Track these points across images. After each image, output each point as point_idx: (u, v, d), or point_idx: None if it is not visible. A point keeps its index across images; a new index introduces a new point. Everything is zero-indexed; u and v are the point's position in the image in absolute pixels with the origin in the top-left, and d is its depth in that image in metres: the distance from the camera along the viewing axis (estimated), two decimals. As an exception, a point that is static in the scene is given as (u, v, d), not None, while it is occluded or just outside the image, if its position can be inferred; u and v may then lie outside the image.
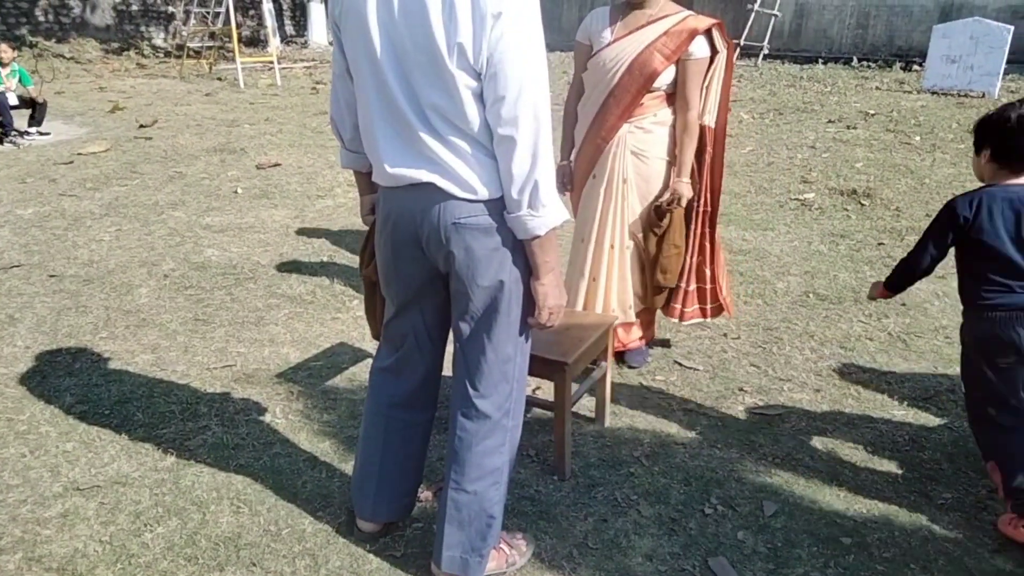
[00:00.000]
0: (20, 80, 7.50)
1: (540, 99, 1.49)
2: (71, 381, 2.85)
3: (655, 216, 2.76)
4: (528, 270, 1.67)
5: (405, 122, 1.56)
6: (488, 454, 1.79)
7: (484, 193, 1.57)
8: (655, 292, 2.89)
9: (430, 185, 1.58)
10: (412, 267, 1.74)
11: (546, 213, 1.55)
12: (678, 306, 2.92)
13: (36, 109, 7.33)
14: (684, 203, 2.75)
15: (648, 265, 2.84)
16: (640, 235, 2.83)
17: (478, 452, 1.78)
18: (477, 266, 1.63)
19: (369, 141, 1.67)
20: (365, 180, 1.86)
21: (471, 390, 1.77)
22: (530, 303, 1.71)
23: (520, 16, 1.44)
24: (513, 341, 1.74)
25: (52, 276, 3.88)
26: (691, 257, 2.87)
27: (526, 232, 1.58)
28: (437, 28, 1.45)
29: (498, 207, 1.59)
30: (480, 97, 1.50)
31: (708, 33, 2.61)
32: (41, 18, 14.40)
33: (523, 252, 1.64)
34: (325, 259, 4.23)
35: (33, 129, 7.34)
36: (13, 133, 7.08)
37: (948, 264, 4.13)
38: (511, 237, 1.62)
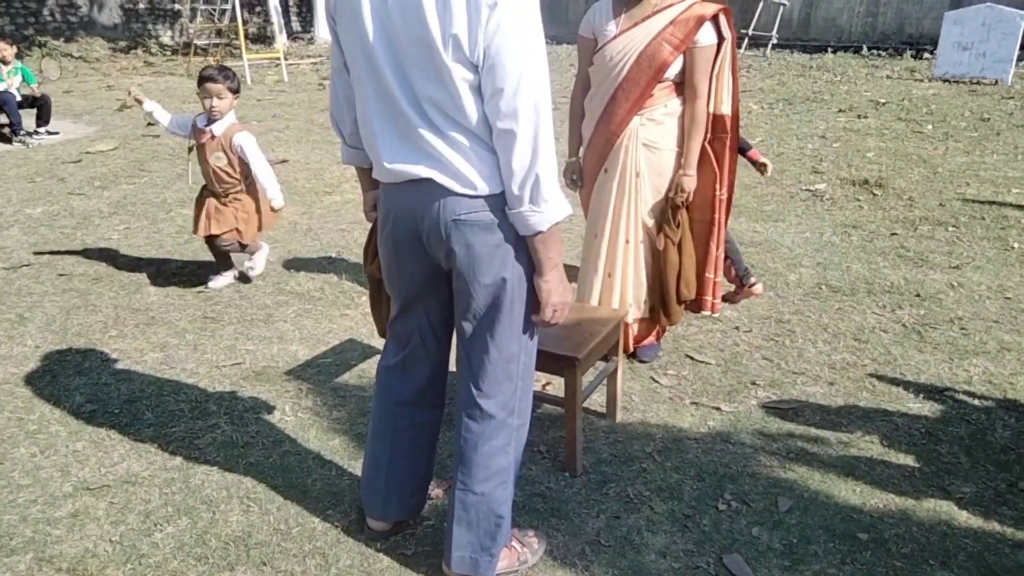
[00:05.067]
0: (24, 79, 7.50)
1: (540, 91, 1.45)
2: (81, 380, 2.84)
3: (669, 215, 2.72)
4: (531, 267, 1.64)
5: (402, 117, 1.53)
6: (494, 454, 1.77)
7: (484, 188, 1.54)
8: (678, 303, 2.85)
9: (429, 181, 1.55)
10: (414, 264, 1.71)
11: (548, 208, 1.52)
12: (709, 298, 2.94)
13: (40, 108, 7.34)
14: (690, 197, 2.72)
15: (664, 274, 2.79)
16: (653, 231, 2.80)
17: (484, 453, 1.76)
18: (478, 263, 1.60)
19: (367, 137, 1.64)
20: (367, 176, 1.83)
21: (475, 390, 1.74)
22: (534, 300, 1.68)
23: (517, 5, 1.40)
24: (517, 339, 1.71)
25: (61, 275, 3.88)
26: (717, 248, 2.86)
27: (528, 228, 1.55)
28: (431, 19, 1.41)
29: (499, 203, 1.56)
30: (478, 90, 1.47)
31: (714, 19, 2.57)
32: (49, 17, 14.44)
33: (526, 248, 1.61)
34: (333, 255, 4.22)
35: (42, 129, 7.35)
36: (22, 133, 7.10)
37: (963, 255, 4.11)
38: (513, 233, 1.59)
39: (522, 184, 1.49)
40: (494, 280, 1.62)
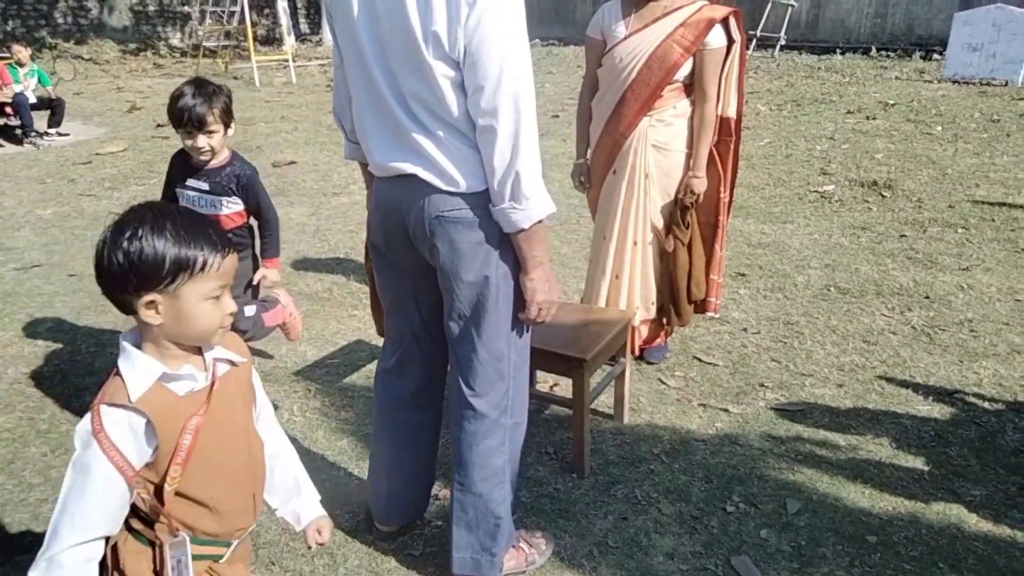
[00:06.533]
0: (39, 81, 7.56)
1: (521, 88, 1.43)
2: (91, 380, 2.86)
3: (678, 216, 2.72)
4: (517, 265, 1.62)
5: (390, 113, 1.54)
6: (490, 454, 1.76)
7: (466, 186, 1.53)
8: (689, 303, 2.85)
9: (415, 177, 1.55)
10: (403, 259, 1.71)
11: (530, 206, 1.50)
12: (713, 299, 2.96)
13: (54, 109, 7.40)
14: (700, 199, 2.72)
15: (675, 275, 2.79)
16: (662, 233, 2.80)
17: (480, 453, 1.75)
18: (461, 260, 1.59)
19: (360, 132, 1.65)
20: (368, 172, 1.84)
21: (466, 390, 1.73)
22: (521, 298, 1.66)
23: (497, 3, 1.39)
24: (504, 338, 1.69)
25: (72, 275, 3.91)
26: (721, 249, 2.88)
27: (510, 225, 1.53)
28: (413, 17, 1.42)
29: (482, 200, 1.55)
30: (461, 87, 1.46)
31: (724, 22, 2.57)
32: (60, 20, 14.55)
33: (511, 246, 1.60)
34: (341, 256, 4.23)
35: (52, 130, 7.41)
36: (33, 134, 7.15)
37: (972, 256, 4.09)
38: (497, 231, 1.57)
39: (503, 181, 1.48)
40: (477, 278, 1.61)
